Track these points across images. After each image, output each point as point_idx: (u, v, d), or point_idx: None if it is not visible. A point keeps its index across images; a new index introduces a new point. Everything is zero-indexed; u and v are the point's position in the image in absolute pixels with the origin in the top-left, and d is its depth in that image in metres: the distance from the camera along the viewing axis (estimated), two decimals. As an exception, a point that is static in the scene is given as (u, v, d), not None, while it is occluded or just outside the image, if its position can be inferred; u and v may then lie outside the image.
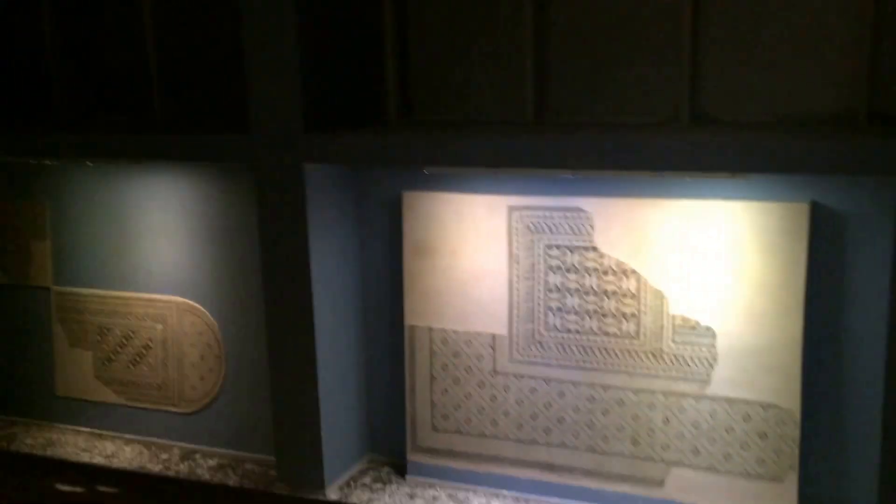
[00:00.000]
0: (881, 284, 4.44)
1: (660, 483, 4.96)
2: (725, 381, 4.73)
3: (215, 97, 5.73)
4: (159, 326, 6.11)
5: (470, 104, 5.22)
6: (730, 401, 4.75)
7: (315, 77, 5.04)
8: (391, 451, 5.75)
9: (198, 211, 5.85)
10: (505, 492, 5.31)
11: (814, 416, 4.70)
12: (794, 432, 4.64)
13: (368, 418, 5.80)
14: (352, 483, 5.58)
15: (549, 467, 5.19)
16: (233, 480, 5.71)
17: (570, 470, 5.15)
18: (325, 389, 5.35)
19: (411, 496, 5.39)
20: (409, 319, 5.39)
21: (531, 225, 5.01)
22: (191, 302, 5.98)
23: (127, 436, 6.37)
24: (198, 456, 6.09)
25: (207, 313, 5.95)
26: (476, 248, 5.14)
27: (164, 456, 6.12)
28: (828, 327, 4.62)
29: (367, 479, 5.63)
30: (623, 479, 5.03)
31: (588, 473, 5.11)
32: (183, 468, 5.92)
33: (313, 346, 5.26)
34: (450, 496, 5.36)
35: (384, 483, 5.57)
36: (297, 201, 5.08)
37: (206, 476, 5.78)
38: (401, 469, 5.64)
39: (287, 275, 5.20)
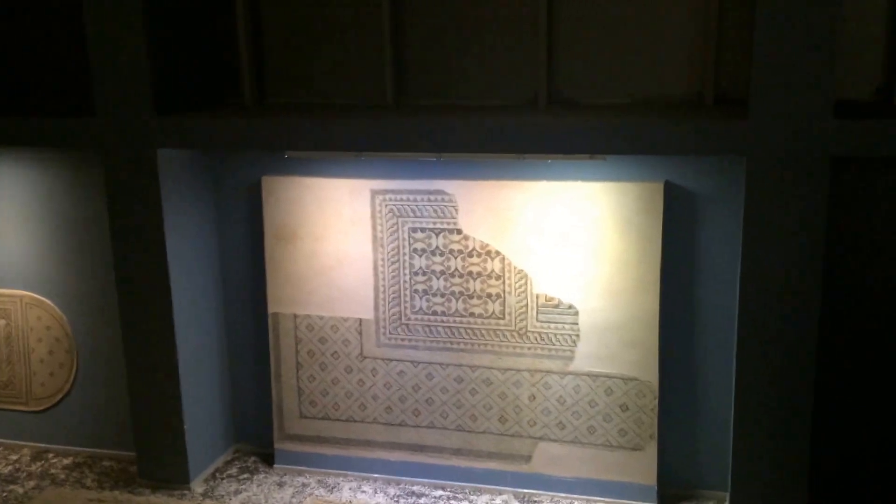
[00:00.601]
0: (730, 259, 4.65)
1: (527, 458, 5.07)
2: (588, 356, 4.86)
3: (60, 79, 5.36)
4: (2, 322, 5.74)
5: (329, 88, 5.10)
6: (593, 375, 4.89)
7: (165, 58, 4.81)
8: (258, 441, 5.63)
9: (43, 200, 5.51)
10: (375, 475, 5.30)
11: (671, 387, 4.91)
12: (653, 403, 4.84)
13: (233, 408, 5.65)
14: (217, 475, 5.44)
15: (419, 448, 5.21)
16: (90, 479, 5.45)
17: (439, 450, 5.19)
18: (186, 381, 5.18)
19: (280, 484, 5.31)
20: (273, 306, 5.26)
21: (395, 208, 4.97)
22: (36, 295, 5.64)
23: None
24: (50, 455, 5.79)
25: (55, 307, 5.63)
26: (340, 232, 5.06)
27: (14, 457, 5.78)
28: (682, 302, 4.81)
29: (233, 470, 5.50)
30: (491, 456, 5.11)
31: (457, 452, 5.16)
32: (35, 469, 5.61)
33: (172, 338, 5.07)
34: (319, 482, 5.31)
35: (251, 473, 5.46)
36: (151, 188, 4.85)
37: (61, 476, 5.50)
38: (268, 458, 5.54)
39: (142, 265, 4.98)
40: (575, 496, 5.02)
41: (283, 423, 5.40)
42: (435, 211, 4.91)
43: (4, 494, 5.29)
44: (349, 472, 5.33)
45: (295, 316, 5.24)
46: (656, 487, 4.92)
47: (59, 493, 5.01)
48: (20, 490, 5.35)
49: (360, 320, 5.15)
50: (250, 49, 5.09)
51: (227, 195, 5.31)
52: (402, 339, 5.11)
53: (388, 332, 5.13)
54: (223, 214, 5.34)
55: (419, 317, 5.05)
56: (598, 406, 4.91)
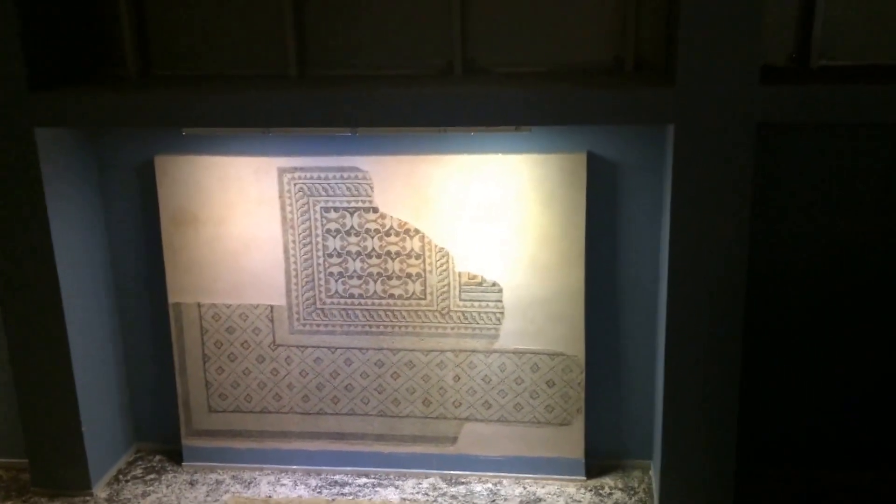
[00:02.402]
0: (654, 229, 4.57)
1: (453, 440, 4.92)
2: (514, 333, 4.72)
3: None
4: None
5: (223, 58, 4.66)
6: (518, 353, 4.75)
7: (38, 28, 4.30)
8: (162, 439, 5.27)
9: None
10: (294, 466, 5.04)
11: (597, 360, 4.83)
12: (580, 377, 4.75)
13: (133, 405, 5.26)
14: (121, 477, 5.07)
15: (339, 436, 4.99)
16: (-24, 490, 5.00)
17: (361, 437, 4.97)
18: (81, 379, 4.77)
19: (192, 483, 4.99)
20: (174, 296, 4.88)
21: (305, 187, 4.65)
22: None
23: None
24: (-72, 471, 5.28)
25: (-76, 305, 5.08)
26: (245, 214, 4.70)
27: None
28: (608, 275, 4.72)
29: (138, 471, 5.13)
30: (416, 440, 4.94)
31: (380, 438, 4.96)
32: (-88, 483, 5.10)
33: (64, 333, 4.65)
34: (234, 478, 5.02)
35: (158, 473, 5.11)
36: (30, 171, 4.38)
37: (-58, 490, 5.02)
38: (175, 456, 5.19)
39: (25, 257, 4.52)
40: (503, 474, 4.92)
41: (191, 419, 5.06)
42: (349, 189, 4.62)
43: None
44: (266, 466, 5.06)
45: (199, 305, 4.87)
46: (584, 461, 4.87)
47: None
48: None
49: (272, 307, 4.83)
50: (132, 16, 4.60)
51: (116, 177, 4.86)
52: (318, 325, 4.83)
53: (302, 317, 4.83)
54: (112, 198, 4.89)
55: (335, 300, 4.78)
56: (525, 383, 4.79)
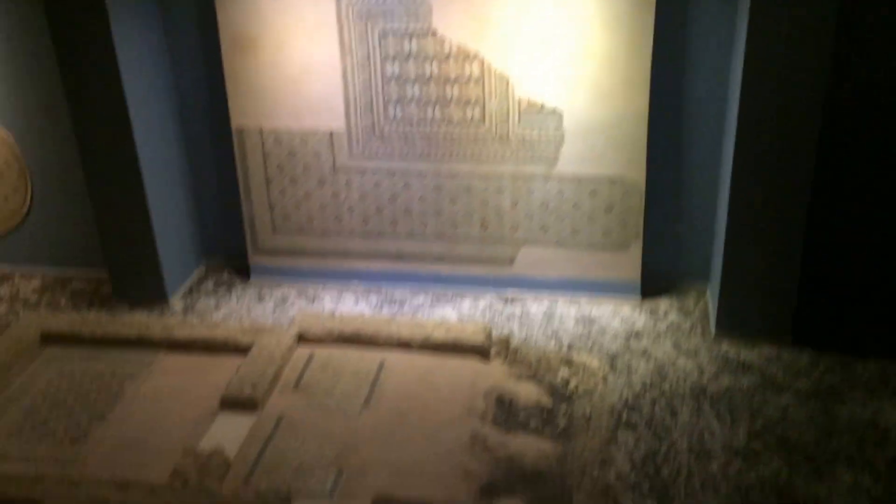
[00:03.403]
0: (723, 53, 4.38)
1: (510, 262, 5.01)
2: (573, 159, 4.68)
3: None
4: (-60, 145, 5.32)
5: None
6: (577, 178, 4.73)
7: None
8: (230, 256, 5.49)
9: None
10: (355, 284, 5.23)
11: (657, 185, 4.79)
12: (639, 203, 4.73)
13: (201, 225, 5.45)
14: (194, 291, 5.33)
15: (399, 257, 5.12)
16: (63, 300, 5.32)
17: (419, 258, 5.10)
18: (153, 197, 4.93)
19: (259, 298, 5.23)
20: (237, 120, 4.91)
21: (363, 11, 4.52)
22: (-28, 115, 5.21)
23: (-71, 264, 5.75)
24: (16, 278, 5.60)
25: (-2, 125, 5.23)
26: (304, 39, 4.62)
27: (-23, 281, 5.59)
28: (672, 99, 4.59)
29: (209, 286, 5.39)
30: (473, 261, 5.05)
31: (438, 259, 5.08)
32: (3, 293, 5.44)
33: (134, 152, 4.76)
34: (299, 294, 5.24)
35: (228, 287, 5.36)
36: (93, -2, 4.35)
37: (33, 299, 5.35)
38: (242, 273, 5.42)
39: (92, 76, 4.56)
40: (558, 295, 5.03)
41: (257, 238, 5.23)
42: (407, 12, 4.48)
43: (-24, 320, 5.16)
44: (328, 283, 5.25)
45: (261, 130, 4.91)
46: (640, 283, 4.94)
47: (36, 315, 4.87)
48: (-8, 315, 5.21)
49: (331, 132, 4.84)
50: None
51: (177, 1, 4.79)
52: (377, 150, 4.85)
53: (361, 143, 4.85)
54: (173, 23, 4.84)
55: (394, 126, 4.77)
56: (583, 209, 4.80)
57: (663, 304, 4.97)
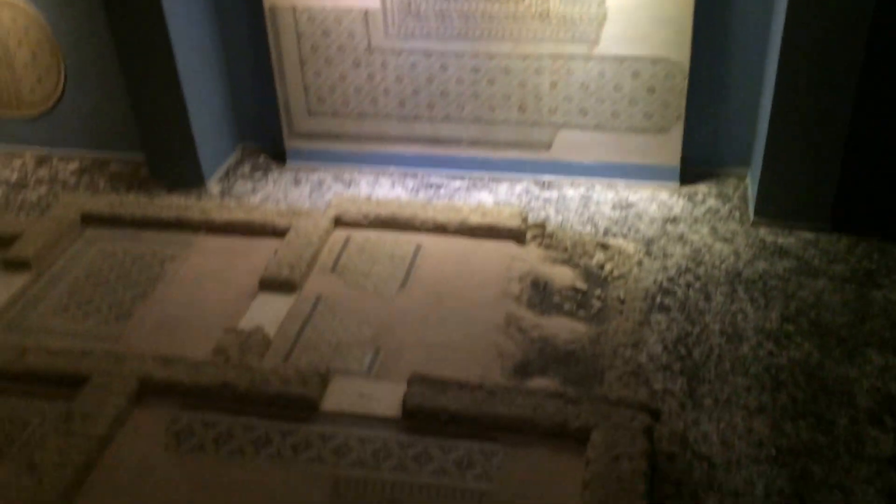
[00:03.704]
0: (776, -76, 4.18)
1: (547, 146, 4.95)
2: (615, 38, 4.54)
3: None
4: (-27, 26, 5.30)
5: None
6: (619, 59, 4.60)
7: None
8: (265, 140, 5.48)
9: None
10: (392, 168, 5.21)
11: (701, 66, 4.66)
12: (682, 84, 4.61)
13: (236, 108, 5.42)
14: (230, 175, 5.35)
15: (435, 141, 5.07)
16: (101, 182, 5.37)
17: (456, 141, 5.05)
18: (186, 78, 4.91)
19: (296, 182, 5.24)
20: (269, -1, 4.83)
21: None
22: (3, -6, 5.15)
23: (-32, 145, 5.82)
24: (55, 160, 5.66)
25: (30, 4, 5.15)
26: (335, -89, 4.48)
27: (18, 163, 5.65)
28: (719, -25, 4.41)
29: (245, 170, 5.40)
30: (510, 145, 4.99)
31: (475, 143, 5.03)
32: (42, 174, 5.51)
33: (166, 33, 4.71)
34: (336, 178, 5.24)
35: (265, 171, 5.37)
36: None
37: (72, 181, 5.41)
38: (278, 157, 5.42)
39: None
40: (596, 180, 4.98)
41: (292, 122, 5.20)
42: None
43: (18, 201, 5.24)
44: (364, 167, 5.24)
45: (294, 8, 4.81)
46: (679, 168, 4.86)
47: (77, 197, 4.92)
48: (33, 196, 5.28)
49: (366, 10, 4.73)
50: None
51: None
52: (413, 29, 4.74)
53: (396, 21, 4.74)
54: None
55: (430, 4, 4.64)
56: (624, 90, 4.69)
57: (702, 189, 4.90)
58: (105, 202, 4.79)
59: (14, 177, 5.50)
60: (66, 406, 3.40)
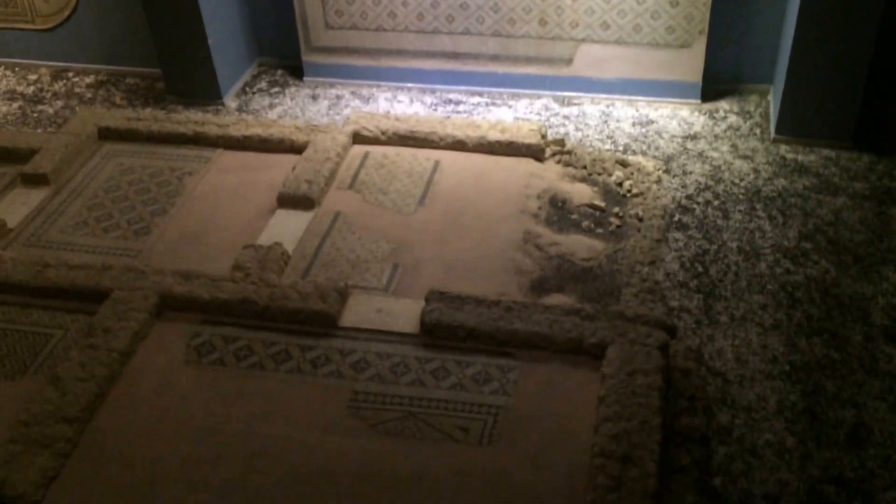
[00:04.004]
0: None
1: (568, 61, 4.86)
2: (637, -50, 4.42)
3: None
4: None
5: None
6: (641, -29, 4.49)
7: None
8: (283, 55, 5.40)
9: None
10: (410, 84, 5.15)
11: (725, -21, 4.54)
12: (706, -3, 4.50)
13: (252, 21, 5.33)
14: (247, 90, 5.31)
15: (454, 56, 4.99)
16: (118, 97, 5.35)
17: (475, 57, 4.97)
18: (204, -5, 4.83)
19: (313, 97, 5.19)
20: None
21: None
22: None
23: (-16, 59, 5.78)
24: (70, 74, 5.62)
25: (39, -85, 5.07)
26: None
27: (33, 77, 5.63)
28: None
29: (262, 85, 5.35)
30: (530, 60, 4.91)
31: (494, 58, 4.95)
32: (58, 88, 5.48)
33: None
34: (353, 94, 5.18)
35: (282, 87, 5.32)
36: None
37: (88, 95, 5.39)
38: (296, 71, 5.35)
39: None
40: (616, 96, 4.91)
41: (309, 36, 5.12)
42: None
43: (35, 115, 5.23)
44: (382, 83, 5.17)
45: (309, -83, 4.70)
46: (700, 84, 4.78)
47: (93, 111, 4.92)
48: (50, 110, 5.27)
49: (383, -81, 4.61)
50: None
51: None
52: (431, -61, 4.62)
53: (414, -69, 4.61)
54: None
55: (448, -87, 4.51)
56: (647, 2, 4.58)
57: (723, 106, 4.83)
58: (122, 117, 4.78)
59: (30, 91, 5.48)
60: (88, 320, 3.46)
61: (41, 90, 5.48)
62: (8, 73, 5.68)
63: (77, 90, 5.46)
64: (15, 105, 5.33)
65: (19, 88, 5.51)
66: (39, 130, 5.02)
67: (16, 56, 5.70)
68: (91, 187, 4.34)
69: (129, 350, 3.32)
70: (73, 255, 3.87)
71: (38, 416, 3.03)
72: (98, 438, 3.02)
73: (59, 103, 5.33)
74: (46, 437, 2.96)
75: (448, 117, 4.67)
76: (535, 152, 4.29)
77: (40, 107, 5.31)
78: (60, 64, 5.65)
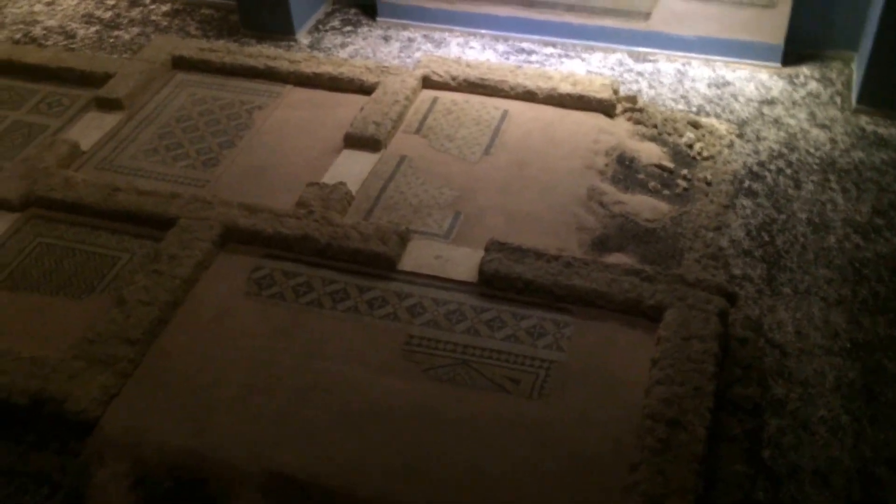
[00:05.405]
0: None
1: (646, 16, 4.75)
2: None
3: None
4: None
5: None
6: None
7: None
8: (356, -8, 5.38)
9: None
10: (483, 31, 5.08)
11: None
12: (796, -43, 4.33)
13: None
14: (320, 27, 5.30)
15: (531, 4, 4.91)
16: (193, 27, 5.38)
17: (551, 6, 4.88)
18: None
19: (385, 38, 5.16)
20: None
21: None
22: None
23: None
24: (147, 1, 5.67)
25: None
26: None
27: (111, 2, 5.69)
28: None
29: (335, 23, 5.33)
30: (607, 13, 4.81)
31: (571, 9, 4.86)
32: (135, 15, 5.54)
33: None
34: (426, 37, 5.14)
35: (354, 26, 5.29)
36: None
37: (163, 23, 5.44)
38: (369, 11, 5.32)
39: None
40: (693, 55, 4.78)
41: (385, -25, 5.08)
42: None
43: (111, 40, 5.30)
44: (455, 28, 5.12)
45: None
46: (782, 47, 4.63)
47: (168, 39, 4.97)
48: (126, 36, 5.34)
49: None
50: None
51: None
52: None
53: None
54: None
55: None
56: (732, -40, 4.43)
57: (804, 71, 4.68)
58: (195, 47, 4.81)
59: (107, 16, 5.55)
60: (154, 246, 3.54)
61: (118, 16, 5.54)
62: (87, -5, 5.76)
63: (153, 18, 5.51)
64: (92, 29, 5.40)
65: (97, 13, 5.57)
66: (115, 56, 5.08)
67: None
68: (163, 115, 4.40)
69: (192, 278, 3.39)
70: (142, 182, 3.94)
71: (102, 335, 3.12)
72: (158, 361, 3.11)
73: (135, 30, 5.39)
74: (109, 357, 3.05)
75: (519, 67, 4.61)
76: (605, 107, 4.22)
77: (116, 32, 5.37)
78: (139, -10, 5.71)
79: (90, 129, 4.30)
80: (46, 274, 3.50)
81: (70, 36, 5.33)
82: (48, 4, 5.68)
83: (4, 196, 3.80)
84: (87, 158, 4.14)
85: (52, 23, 5.48)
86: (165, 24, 5.44)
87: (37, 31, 5.40)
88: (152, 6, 5.61)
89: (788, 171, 4.02)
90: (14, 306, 3.37)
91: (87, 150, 4.18)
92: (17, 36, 5.34)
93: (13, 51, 4.88)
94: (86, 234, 3.68)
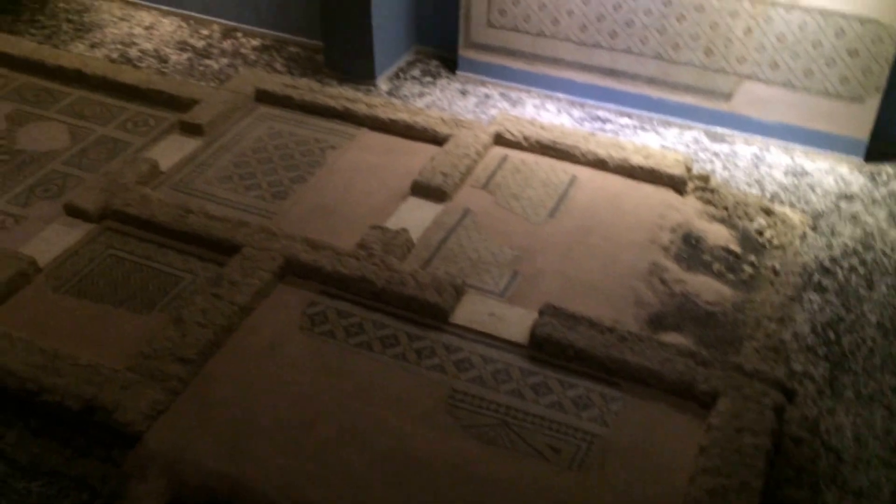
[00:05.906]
0: None
1: (727, 96, 4.71)
2: (823, -8, 4.24)
3: None
4: None
5: None
6: (825, 13, 4.29)
7: None
8: (440, 45, 5.45)
9: None
10: (560, 94, 5.10)
11: (913, 38, 4.28)
12: (890, 52, 4.25)
13: (417, 8, 5.40)
14: (401, 75, 5.38)
15: (611, 73, 4.91)
16: (279, 63, 5.51)
17: (632, 77, 4.87)
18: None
19: (463, 92, 5.22)
20: None
21: None
22: None
23: (163, 6, 6.06)
24: (239, 35, 5.84)
25: None
26: None
27: (205, 32, 5.87)
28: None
29: (415, 72, 5.41)
30: (688, 89, 4.78)
31: (651, 82, 4.84)
32: (226, 46, 5.70)
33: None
34: (502, 95, 5.18)
35: (434, 77, 5.36)
36: None
37: (252, 57, 5.58)
38: (450, 64, 5.39)
39: None
40: (772, 140, 4.72)
41: (469, 31, 5.14)
42: None
43: (201, 68, 5.45)
44: (533, 89, 5.15)
45: (492, -85, 4.71)
46: (867, 142, 4.54)
47: (254, 73, 5.09)
48: (215, 66, 5.48)
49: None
50: None
51: None
52: (610, -47, 4.56)
53: (594, -57, 4.56)
54: None
55: (633, -71, 4.43)
56: (823, 48, 4.38)
57: (887, 169, 4.57)
58: (279, 82, 4.92)
59: (200, 45, 5.72)
60: (217, 270, 3.59)
61: (210, 45, 5.71)
62: (183, 24, 5.95)
63: (243, 51, 5.66)
64: (184, 56, 5.57)
65: (191, 41, 5.75)
66: (202, 83, 5.23)
67: (193, 9, 5.96)
68: (241, 145, 4.49)
69: (249, 306, 3.42)
70: (213, 207, 4.01)
71: (157, 351, 3.16)
72: (206, 383, 3.13)
73: (225, 60, 5.54)
74: (162, 373, 3.08)
75: (593, 134, 4.60)
76: (676, 184, 4.18)
77: (207, 61, 5.53)
78: (231, 23, 5.88)
79: (171, 151, 4.42)
80: (113, 285, 3.57)
81: (163, 60, 5.51)
82: (147, 28, 5.89)
83: (83, 206, 3.92)
84: (164, 179, 4.24)
85: (148, 46, 5.67)
86: (254, 57, 5.58)
87: (133, 52, 5.60)
88: (243, 39, 5.77)
89: (861, 271, 3.91)
90: (78, 312, 3.45)
91: (166, 170, 4.28)
92: (115, 55, 5.54)
93: (108, 69, 5.05)
94: (154, 250, 3.75)
